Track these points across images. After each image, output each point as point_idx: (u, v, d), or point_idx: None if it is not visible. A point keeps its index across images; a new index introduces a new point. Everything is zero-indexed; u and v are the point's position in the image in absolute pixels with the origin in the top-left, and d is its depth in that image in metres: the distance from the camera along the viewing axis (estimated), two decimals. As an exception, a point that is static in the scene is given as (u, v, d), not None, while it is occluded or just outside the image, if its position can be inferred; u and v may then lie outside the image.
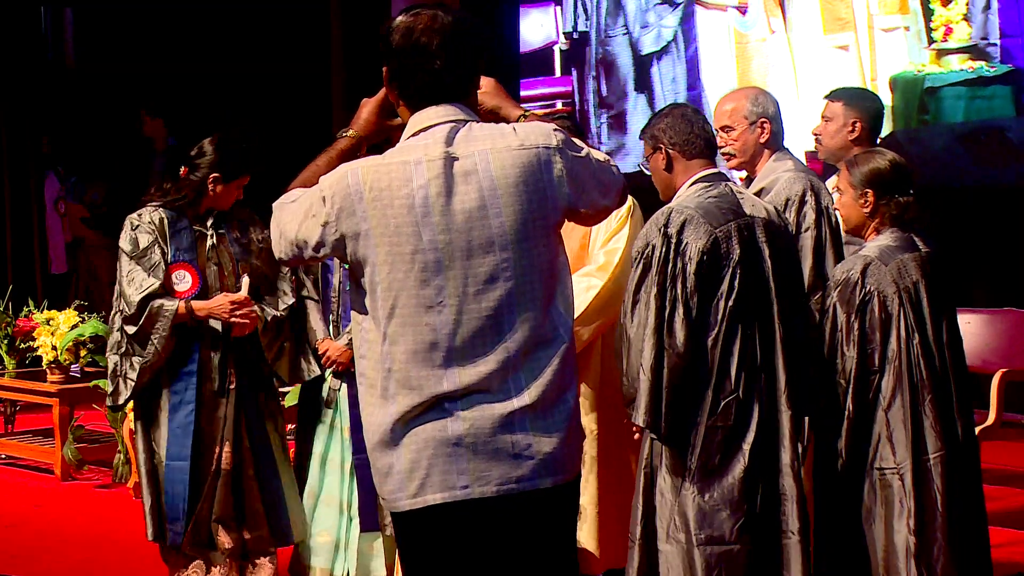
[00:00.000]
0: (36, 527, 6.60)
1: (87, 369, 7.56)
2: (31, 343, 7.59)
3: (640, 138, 4.33)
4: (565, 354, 3.02)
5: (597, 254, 4.68)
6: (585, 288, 4.63)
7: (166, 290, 4.90)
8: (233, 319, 4.90)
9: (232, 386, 4.97)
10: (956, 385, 4.17)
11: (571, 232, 4.74)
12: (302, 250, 3.05)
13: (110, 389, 5.02)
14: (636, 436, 4.08)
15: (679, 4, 9.26)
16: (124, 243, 4.96)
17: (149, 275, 4.89)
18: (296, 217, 3.04)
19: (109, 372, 5.02)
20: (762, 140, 4.66)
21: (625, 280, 4.63)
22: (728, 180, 4.11)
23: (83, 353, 7.37)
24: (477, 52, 3.05)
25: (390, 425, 2.97)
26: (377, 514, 5.07)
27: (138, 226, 4.97)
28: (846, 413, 4.11)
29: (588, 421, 4.68)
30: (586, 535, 4.74)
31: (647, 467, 4.03)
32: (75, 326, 7.37)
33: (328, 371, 5.20)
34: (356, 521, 5.15)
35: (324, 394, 5.25)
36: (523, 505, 2.98)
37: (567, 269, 3.07)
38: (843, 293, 4.15)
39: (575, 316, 4.53)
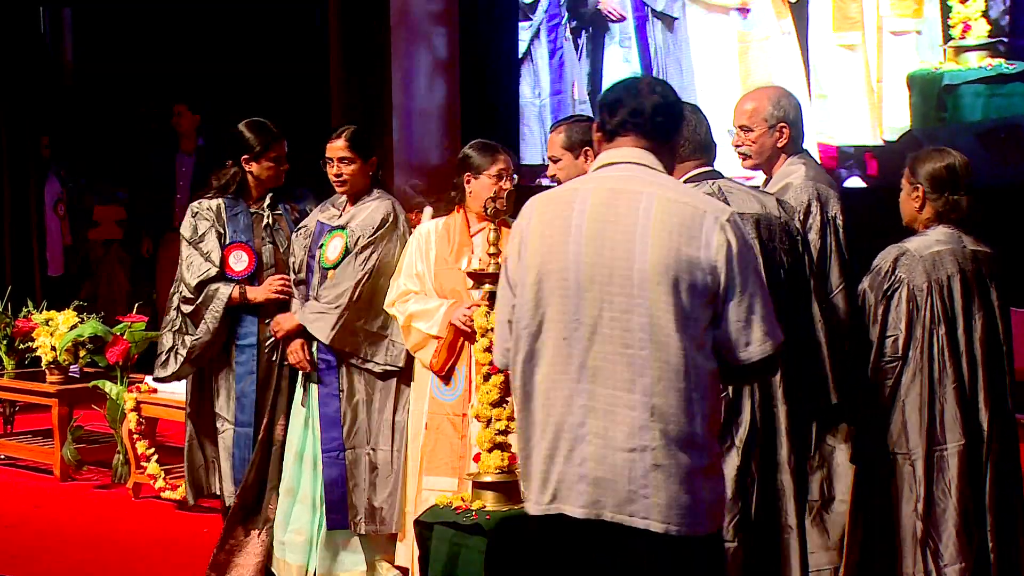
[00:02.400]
0: (35, 527, 6.59)
1: (86, 370, 7.55)
2: (30, 344, 7.59)
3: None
4: None
5: None
6: None
7: (222, 274, 5.31)
8: (279, 293, 5.31)
9: (286, 362, 5.29)
10: (987, 380, 4.23)
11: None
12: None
13: (160, 362, 5.49)
14: None
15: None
16: (185, 230, 5.47)
17: (206, 259, 5.35)
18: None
19: (161, 348, 5.49)
20: (779, 144, 4.62)
21: None
22: (720, 177, 4.08)
23: (82, 354, 7.36)
24: (676, 114, 3.27)
25: None
26: (346, 512, 5.08)
27: (197, 213, 5.45)
28: (863, 400, 4.20)
29: None
30: None
31: None
32: (74, 327, 7.37)
33: (300, 372, 5.27)
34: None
35: (298, 392, 5.28)
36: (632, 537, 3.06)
37: None
38: (874, 280, 4.29)
39: None
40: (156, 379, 5.73)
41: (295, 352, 5.21)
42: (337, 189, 5.24)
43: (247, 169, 5.41)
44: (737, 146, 4.67)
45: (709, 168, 4.09)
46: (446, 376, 4.98)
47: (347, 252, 5.13)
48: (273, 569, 5.29)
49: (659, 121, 3.19)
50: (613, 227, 3.06)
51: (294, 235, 5.37)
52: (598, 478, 3.04)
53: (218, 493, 5.56)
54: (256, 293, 5.36)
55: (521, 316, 3.15)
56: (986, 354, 4.24)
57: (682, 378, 3.01)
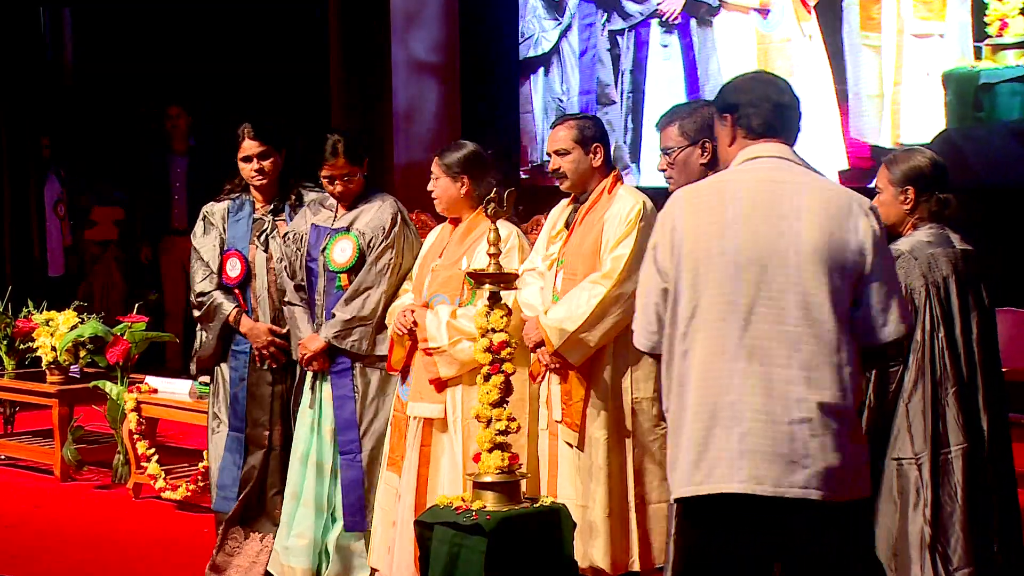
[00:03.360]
0: (36, 528, 6.59)
1: (86, 370, 7.56)
2: (30, 344, 7.59)
3: (662, 129, 4.32)
4: None
5: (605, 259, 4.67)
6: (589, 294, 4.63)
7: (220, 281, 5.37)
8: (262, 351, 5.31)
9: (275, 367, 5.32)
10: (984, 381, 4.21)
11: (586, 234, 4.75)
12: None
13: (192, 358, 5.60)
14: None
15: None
16: (194, 233, 5.50)
17: (206, 266, 5.39)
18: (640, 278, 3.48)
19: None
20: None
21: (630, 285, 4.62)
22: None
23: (82, 354, 7.36)
24: (800, 112, 3.46)
25: None
26: (364, 514, 5.09)
27: (205, 216, 5.47)
28: (866, 403, 4.14)
29: (595, 428, 4.67)
30: (599, 551, 4.67)
31: None
32: (74, 327, 7.37)
33: (308, 373, 5.25)
34: (338, 524, 5.17)
35: (305, 396, 5.27)
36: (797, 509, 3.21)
37: None
38: None
39: (580, 322, 4.58)
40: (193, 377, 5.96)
41: (317, 363, 5.18)
42: (337, 199, 5.23)
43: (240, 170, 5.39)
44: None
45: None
46: (403, 373, 5.05)
47: (360, 254, 5.11)
48: (274, 572, 5.28)
49: (796, 119, 3.44)
50: (771, 214, 3.25)
51: (283, 240, 5.29)
52: (759, 452, 3.20)
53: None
54: (248, 330, 5.33)
55: (676, 301, 3.31)
56: (983, 355, 4.22)
57: (834, 352, 3.22)
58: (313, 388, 5.23)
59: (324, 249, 5.18)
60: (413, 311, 4.94)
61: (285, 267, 5.28)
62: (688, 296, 3.29)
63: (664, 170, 4.43)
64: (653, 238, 3.41)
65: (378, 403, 5.15)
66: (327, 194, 5.25)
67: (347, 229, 5.16)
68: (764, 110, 3.38)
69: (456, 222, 5.08)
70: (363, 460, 5.12)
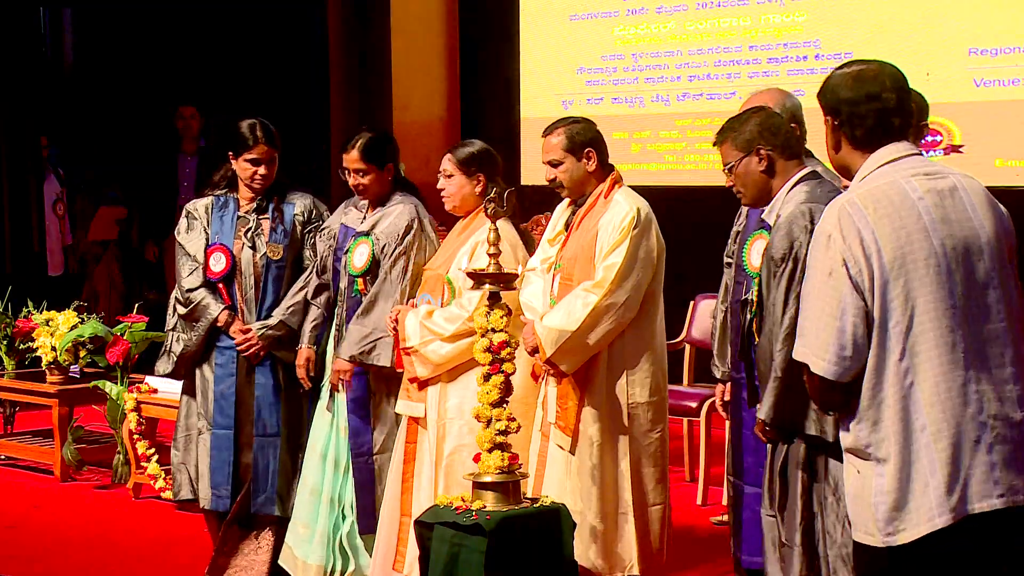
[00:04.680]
0: (35, 528, 6.59)
1: (86, 370, 7.55)
2: (30, 344, 7.59)
3: (720, 147, 4.25)
4: None
5: (598, 268, 4.65)
6: (582, 303, 4.62)
7: (204, 276, 5.31)
8: (242, 349, 5.30)
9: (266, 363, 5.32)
10: None
11: (581, 240, 4.73)
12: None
13: (160, 359, 5.48)
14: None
15: None
16: (178, 229, 5.44)
17: (192, 261, 5.34)
18: (820, 297, 3.14)
19: (164, 345, 5.48)
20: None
21: (621, 295, 4.62)
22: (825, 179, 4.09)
23: (82, 354, 7.36)
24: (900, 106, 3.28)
25: None
26: (376, 516, 5.09)
27: (189, 213, 5.43)
28: None
29: (592, 432, 4.66)
30: (597, 553, 4.67)
31: (802, 472, 3.87)
32: (74, 327, 7.37)
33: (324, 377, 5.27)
34: (349, 520, 5.18)
35: (323, 398, 5.28)
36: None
37: None
38: None
39: (574, 329, 4.56)
40: (156, 375, 5.75)
41: (348, 370, 5.14)
42: (358, 196, 5.24)
43: (233, 166, 5.36)
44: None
45: (811, 169, 4.12)
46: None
47: (374, 260, 5.10)
48: (285, 566, 5.29)
49: (901, 119, 3.28)
50: (953, 210, 3.14)
51: (316, 236, 5.32)
52: (1009, 461, 3.05)
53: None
54: (235, 332, 5.29)
55: (885, 317, 3.07)
56: None
57: None
58: (332, 392, 5.23)
59: (347, 251, 5.18)
60: (399, 311, 4.95)
61: (317, 262, 5.29)
62: (900, 309, 3.07)
63: (732, 185, 4.27)
64: (836, 255, 3.10)
65: (391, 407, 5.14)
66: (360, 199, 5.27)
67: (367, 233, 5.15)
68: (903, 111, 3.24)
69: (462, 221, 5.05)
70: (375, 463, 5.13)
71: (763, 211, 4.43)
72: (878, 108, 3.21)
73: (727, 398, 4.83)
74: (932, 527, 3.03)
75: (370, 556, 5.13)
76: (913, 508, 3.04)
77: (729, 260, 4.83)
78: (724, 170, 4.26)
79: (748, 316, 4.09)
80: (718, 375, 4.86)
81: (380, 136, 5.25)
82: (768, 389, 3.80)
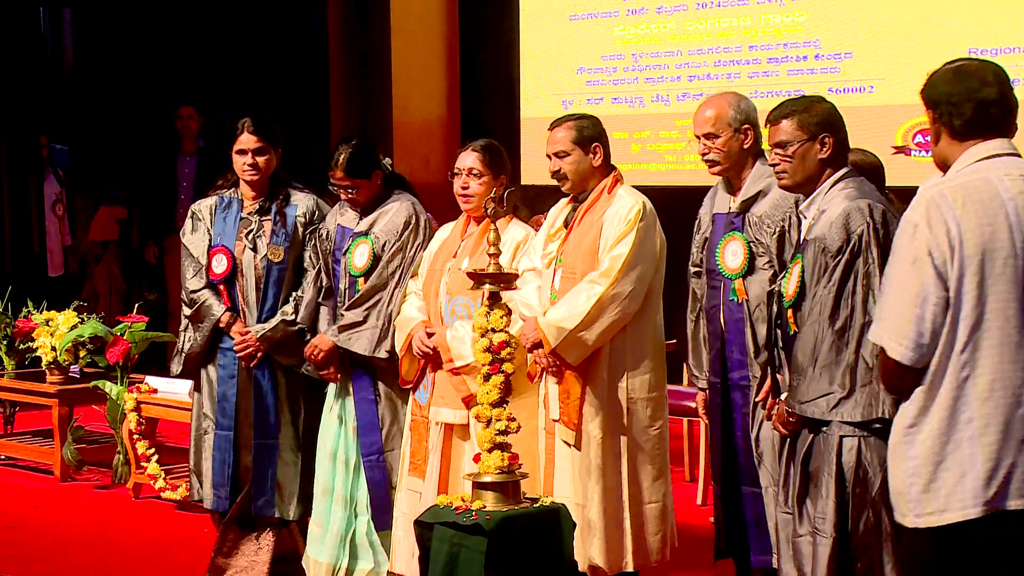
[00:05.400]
0: (35, 528, 6.59)
1: (86, 370, 7.56)
2: (30, 344, 7.59)
3: (774, 124, 4.18)
4: None
5: (603, 258, 4.66)
6: (587, 294, 4.62)
7: (207, 277, 5.33)
8: (239, 351, 5.28)
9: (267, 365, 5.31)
10: None
11: (584, 234, 4.74)
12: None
13: (172, 359, 5.53)
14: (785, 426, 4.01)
15: None
16: (183, 231, 5.48)
17: (196, 262, 5.37)
18: (903, 284, 3.18)
19: (177, 346, 5.52)
20: (746, 146, 4.63)
21: (627, 285, 4.63)
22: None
23: (82, 354, 7.36)
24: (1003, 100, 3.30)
25: None
26: (391, 514, 5.10)
27: (193, 214, 5.47)
28: None
29: (592, 427, 4.67)
30: (597, 550, 4.68)
31: (838, 465, 3.87)
32: (74, 327, 7.37)
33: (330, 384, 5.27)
34: (364, 518, 5.19)
35: (329, 399, 5.29)
36: None
37: None
38: None
39: (578, 321, 4.57)
40: (171, 375, 5.78)
41: (331, 373, 5.20)
42: (352, 206, 5.24)
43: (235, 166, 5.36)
44: (704, 155, 4.66)
45: (850, 168, 4.11)
46: (415, 382, 5.05)
47: (375, 258, 5.11)
48: (305, 566, 5.30)
49: (1004, 113, 3.29)
50: None
51: (313, 237, 5.32)
52: None
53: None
54: (235, 334, 5.28)
55: (958, 308, 3.13)
56: None
57: None
58: (338, 391, 5.24)
59: (346, 252, 5.18)
60: (430, 335, 4.89)
61: (320, 268, 5.29)
62: (972, 303, 3.13)
63: (777, 164, 4.16)
64: (921, 245, 3.16)
65: (398, 403, 5.16)
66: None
67: (366, 233, 5.15)
68: (1003, 108, 3.26)
69: (479, 220, 5.00)
70: (386, 461, 5.13)
71: (729, 213, 4.45)
72: (978, 99, 3.23)
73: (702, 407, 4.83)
74: (964, 516, 3.12)
75: (387, 553, 5.14)
76: (944, 495, 3.14)
77: (697, 268, 4.79)
78: (771, 146, 4.17)
79: (775, 308, 4.11)
80: (699, 384, 4.81)
81: (358, 148, 5.17)
82: (856, 380, 3.78)
